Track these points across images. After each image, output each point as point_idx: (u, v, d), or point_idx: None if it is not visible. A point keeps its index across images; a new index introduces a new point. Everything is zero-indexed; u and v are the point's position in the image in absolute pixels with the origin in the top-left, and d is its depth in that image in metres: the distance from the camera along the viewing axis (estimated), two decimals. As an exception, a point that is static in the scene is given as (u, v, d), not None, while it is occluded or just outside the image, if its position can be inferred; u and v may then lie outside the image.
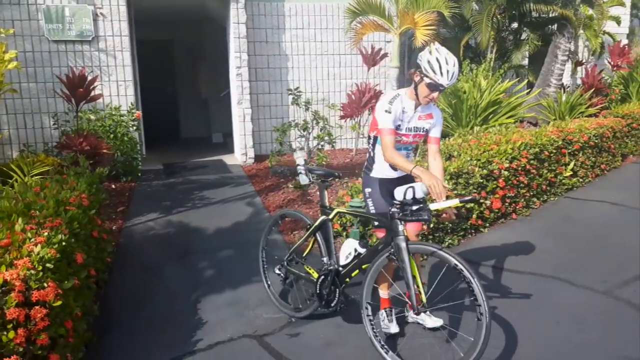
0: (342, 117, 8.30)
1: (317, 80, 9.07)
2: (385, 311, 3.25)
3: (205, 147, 9.97)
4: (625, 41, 13.41)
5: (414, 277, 2.79)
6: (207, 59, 10.84)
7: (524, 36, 10.73)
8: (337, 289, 3.23)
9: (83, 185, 4.06)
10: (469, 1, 9.42)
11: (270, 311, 3.62)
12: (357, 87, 8.24)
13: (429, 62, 2.82)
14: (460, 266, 2.64)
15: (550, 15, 9.98)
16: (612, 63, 11.86)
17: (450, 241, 4.70)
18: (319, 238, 3.39)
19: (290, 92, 7.06)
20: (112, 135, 6.84)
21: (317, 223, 3.40)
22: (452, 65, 2.81)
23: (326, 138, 6.91)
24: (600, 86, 9.99)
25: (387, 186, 3.08)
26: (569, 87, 11.13)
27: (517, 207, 5.46)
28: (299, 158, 3.56)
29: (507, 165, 5.16)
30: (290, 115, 8.59)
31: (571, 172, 6.25)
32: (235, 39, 8.03)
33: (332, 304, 3.24)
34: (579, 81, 11.45)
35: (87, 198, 3.83)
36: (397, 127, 3.00)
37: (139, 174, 7.29)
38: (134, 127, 7.33)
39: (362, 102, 8.15)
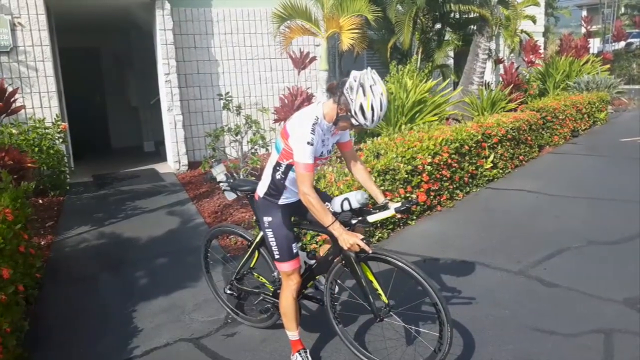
0: (276, 121, 8.37)
1: (249, 85, 9.13)
2: (300, 353, 2.96)
3: (137, 156, 9.78)
4: (541, 39, 14.31)
5: (370, 281, 2.75)
6: (136, 66, 10.63)
7: (447, 37, 11.25)
8: None
9: (7, 200, 3.95)
10: (393, 3, 9.76)
11: (206, 314, 3.68)
12: (289, 91, 8.36)
13: (361, 105, 2.50)
14: (409, 270, 2.61)
15: (470, 15, 10.54)
16: (525, 60, 12.63)
17: (380, 235, 4.92)
18: (263, 253, 3.22)
19: (220, 97, 7.08)
20: (36, 149, 6.60)
21: (257, 239, 3.20)
22: (382, 109, 2.54)
23: (260, 142, 6.96)
24: (518, 82, 10.62)
25: (289, 211, 2.89)
26: (491, 83, 11.75)
27: (442, 200, 5.78)
28: (219, 174, 3.24)
29: (429, 160, 5.43)
30: (224, 121, 8.59)
31: (491, 164, 6.65)
32: (163, 45, 7.96)
33: None
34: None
35: (12, 213, 3.74)
36: (320, 154, 2.74)
37: (68, 188, 7.09)
38: (60, 140, 7.11)
39: (294, 105, 8.26)
